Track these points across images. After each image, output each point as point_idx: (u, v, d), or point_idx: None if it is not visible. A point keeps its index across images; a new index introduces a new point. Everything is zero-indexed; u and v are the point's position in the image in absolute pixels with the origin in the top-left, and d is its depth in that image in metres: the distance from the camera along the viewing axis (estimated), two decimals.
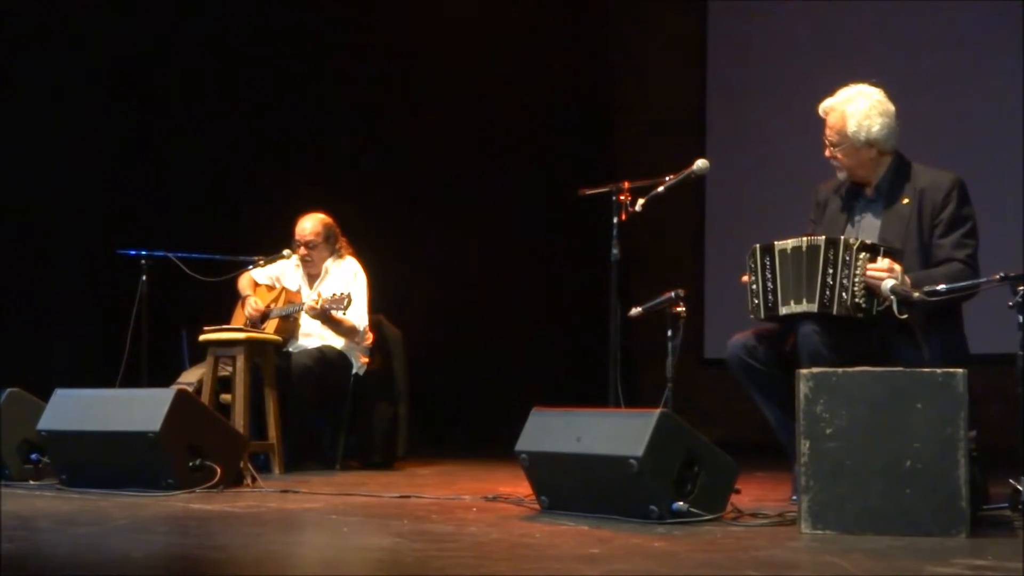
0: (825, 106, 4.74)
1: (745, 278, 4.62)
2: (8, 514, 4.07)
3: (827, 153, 4.71)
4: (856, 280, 4.38)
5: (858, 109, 4.64)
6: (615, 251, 5.19)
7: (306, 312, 6.36)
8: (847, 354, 4.32)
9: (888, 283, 4.33)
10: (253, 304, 6.51)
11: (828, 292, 4.41)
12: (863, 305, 4.38)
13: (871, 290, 4.37)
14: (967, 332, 4.56)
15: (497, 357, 8.96)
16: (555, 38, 9.40)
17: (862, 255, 4.40)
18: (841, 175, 4.73)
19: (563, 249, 9.12)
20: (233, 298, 6.71)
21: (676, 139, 9.21)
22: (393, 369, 6.78)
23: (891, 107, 4.68)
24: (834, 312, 4.39)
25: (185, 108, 8.48)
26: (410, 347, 6.89)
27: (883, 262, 4.37)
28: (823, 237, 4.49)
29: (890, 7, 8.50)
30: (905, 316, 4.32)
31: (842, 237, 4.47)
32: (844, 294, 4.39)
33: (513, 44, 9.21)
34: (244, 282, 6.69)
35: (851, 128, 4.63)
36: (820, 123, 4.79)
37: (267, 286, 6.70)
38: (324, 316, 6.30)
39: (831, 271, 4.41)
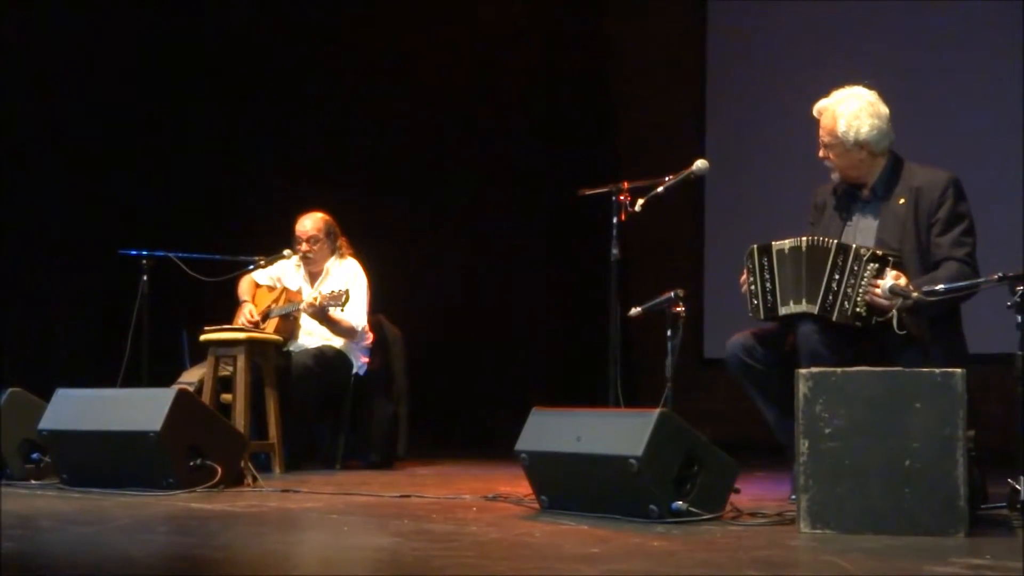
0: (819, 107, 4.75)
1: (743, 278, 4.63)
2: (9, 513, 4.07)
3: (821, 154, 4.72)
4: (860, 291, 4.39)
5: (849, 110, 4.65)
6: (615, 251, 5.19)
7: (303, 310, 6.36)
8: (846, 354, 4.32)
9: (888, 283, 4.33)
10: (248, 314, 6.51)
11: (831, 298, 4.41)
12: (863, 314, 4.39)
13: (872, 306, 4.38)
14: (966, 332, 4.57)
15: (497, 357, 8.96)
16: (555, 38, 9.40)
17: (870, 266, 4.40)
18: (834, 176, 4.74)
19: (563, 249, 9.12)
20: (234, 298, 6.71)
21: (676, 139, 9.21)
22: (393, 369, 6.78)
23: (884, 109, 4.68)
24: (833, 319, 4.40)
25: (186, 108, 8.49)
26: (410, 347, 6.90)
27: (890, 275, 4.37)
28: (834, 241, 4.49)
29: (890, 7, 8.50)
30: (904, 332, 4.32)
31: (853, 245, 4.47)
32: (846, 303, 4.39)
33: (513, 44, 9.21)
34: (244, 286, 6.69)
35: (841, 128, 4.64)
36: (818, 124, 4.79)
37: (268, 287, 6.71)
38: (322, 315, 6.30)
39: (837, 277, 4.41)
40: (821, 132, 4.72)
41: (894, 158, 4.71)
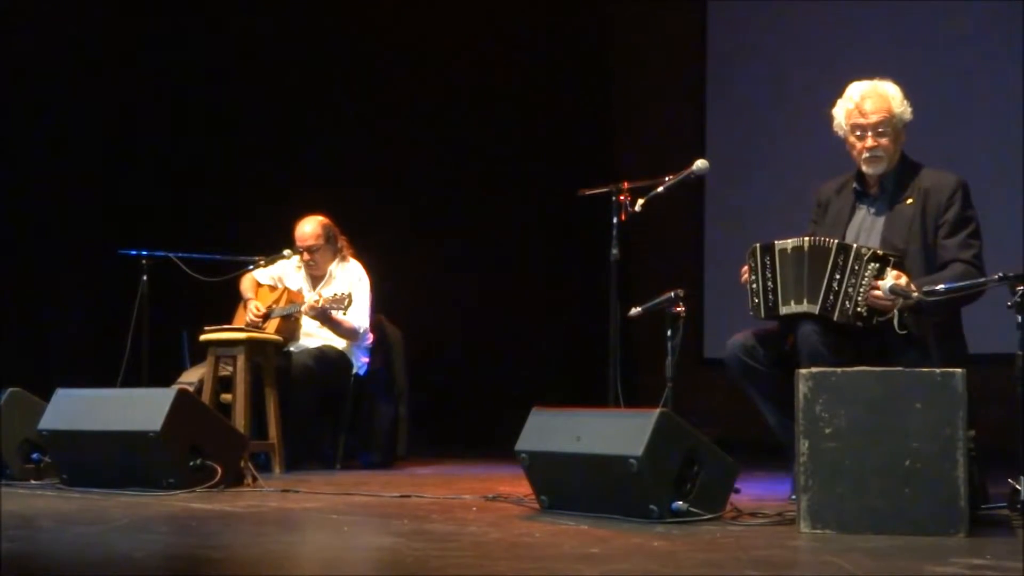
0: (863, 93, 4.63)
1: (744, 269, 4.62)
2: (9, 514, 4.07)
3: (869, 143, 4.60)
4: (861, 291, 4.38)
5: (896, 91, 4.64)
6: (615, 251, 5.20)
7: (305, 312, 6.36)
8: (847, 354, 4.32)
9: (888, 283, 4.33)
10: (254, 310, 6.51)
11: (832, 297, 4.41)
12: (864, 314, 4.38)
13: (873, 306, 4.37)
14: (966, 333, 4.57)
15: (497, 357, 8.96)
16: (555, 38, 9.40)
17: (871, 266, 4.39)
18: (879, 168, 4.64)
19: (563, 249, 9.12)
20: (234, 298, 6.71)
21: (676, 139, 9.21)
22: (393, 369, 6.79)
23: None
24: (834, 319, 4.40)
25: (186, 108, 8.49)
26: (410, 347, 6.89)
27: (890, 275, 4.36)
28: (835, 241, 4.48)
29: (890, 7, 8.50)
30: (905, 332, 4.32)
31: (854, 245, 4.45)
32: (847, 303, 4.39)
33: (513, 44, 9.21)
34: (246, 283, 6.69)
35: (898, 108, 4.62)
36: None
37: (269, 286, 6.70)
38: (324, 316, 6.30)
39: (838, 277, 4.40)
40: (868, 117, 4.60)
41: (905, 158, 4.70)
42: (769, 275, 4.55)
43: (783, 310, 4.52)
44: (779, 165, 8.73)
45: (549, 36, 9.38)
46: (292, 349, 6.43)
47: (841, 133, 4.73)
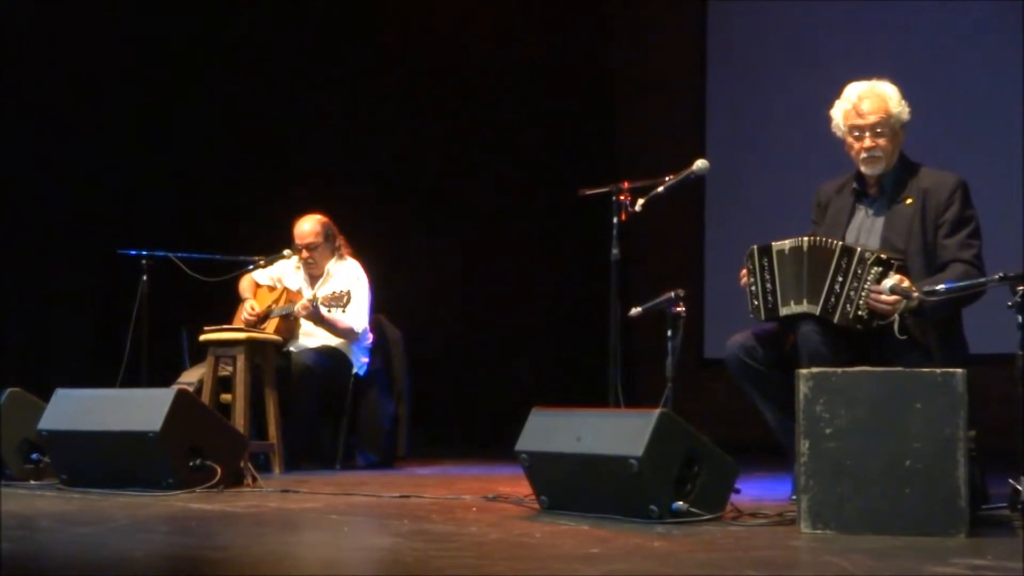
0: (860, 93, 4.63)
1: (743, 272, 4.62)
2: (8, 514, 4.07)
3: (867, 144, 4.60)
4: (863, 294, 4.37)
5: (893, 91, 4.63)
6: (615, 251, 5.19)
7: (297, 313, 6.34)
8: (847, 355, 4.32)
9: (888, 282, 4.33)
10: (249, 309, 6.51)
11: (833, 300, 4.40)
12: (864, 317, 4.38)
13: (874, 310, 4.36)
14: (967, 332, 4.57)
15: (497, 357, 8.96)
16: (555, 38, 9.40)
17: (874, 270, 4.38)
18: (877, 168, 4.63)
19: (563, 249, 9.12)
20: (234, 298, 6.71)
21: (676, 139, 9.21)
22: (393, 369, 6.78)
23: None
24: (835, 321, 4.39)
25: (185, 108, 8.49)
26: (410, 347, 6.89)
27: (893, 279, 4.35)
28: (838, 243, 4.47)
29: (890, 7, 8.50)
30: (905, 337, 4.32)
31: (858, 248, 4.45)
32: (848, 306, 4.38)
33: (513, 43, 9.21)
34: (245, 284, 6.69)
35: (895, 109, 4.61)
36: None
37: (268, 287, 6.70)
38: (316, 317, 6.29)
39: (840, 280, 4.40)
40: (865, 118, 4.60)
41: (904, 159, 4.70)
42: (768, 277, 4.55)
43: (783, 311, 4.51)
44: (779, 165, 8.74)
45: (549, 36, 9.38)
46: (292, 349, 6.42)
47: (839, 134, 4.73)
